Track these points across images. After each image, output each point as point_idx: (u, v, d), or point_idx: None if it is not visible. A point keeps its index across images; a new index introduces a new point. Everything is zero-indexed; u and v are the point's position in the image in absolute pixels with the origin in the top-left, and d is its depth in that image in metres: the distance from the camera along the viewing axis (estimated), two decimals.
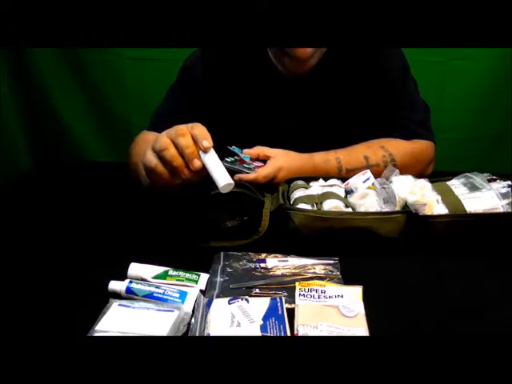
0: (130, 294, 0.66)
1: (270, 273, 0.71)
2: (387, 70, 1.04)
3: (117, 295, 0.66)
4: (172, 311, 0.62)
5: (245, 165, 0.95)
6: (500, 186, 0.82)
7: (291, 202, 0.84)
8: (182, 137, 0.69)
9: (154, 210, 0.89)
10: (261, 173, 0.93)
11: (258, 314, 0.60)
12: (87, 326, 0.60)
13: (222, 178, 0.68)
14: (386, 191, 0.81)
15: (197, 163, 0.69)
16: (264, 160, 0.98)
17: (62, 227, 0.86)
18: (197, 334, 0.59)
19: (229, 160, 0.96)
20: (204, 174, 0.70)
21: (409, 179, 0.85)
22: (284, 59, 0.98)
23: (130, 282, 0.67)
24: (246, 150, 0.98)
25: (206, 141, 0.69)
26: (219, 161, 0.69)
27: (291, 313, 0.62)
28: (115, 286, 0.67)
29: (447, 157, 1.55)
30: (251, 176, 0.92)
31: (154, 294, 0.66)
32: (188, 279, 0.69)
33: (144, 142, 0.98)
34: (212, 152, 0.69)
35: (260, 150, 0.98)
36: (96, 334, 0.58)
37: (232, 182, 0.68)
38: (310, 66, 0.99)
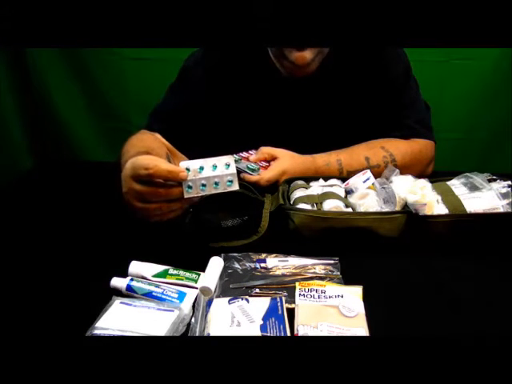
0: (130, 292, 0.66)
1: (270, 273, 0.71)
2: (389, 70, 1.04)
3: (119, 292, 0.67)
4: (172, 311, 0.62)
5: (249, 165, 0.94)
6: (500, 186, 0.82)
7: (291, 202, 0.84)
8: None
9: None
10: (264, 176, 0.92)
11: (258, 314, 0.60)
12: (89, 323, 0.60)
13: None
14: (386, 191, 0.81)
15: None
16: (269, 160, 0.97)
17: (62, 226, 0.86)
18: (197, 334, 0.59)
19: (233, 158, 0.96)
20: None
21: (409, 179, 0.85)
22: (284, 63, 0.98)
23: (131, 279, 0.67)
24: (252, 157, 0.97)
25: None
26: None
27: (291, 313, 0.62)
28: (117, 282, 0.67)
29: (447, 157, 1.55)
30: (254, 178, 0.92)
31: (153, 293, 0.66)
32: (188, 278, 0.69)
33: (139, 140, 0.97)
34: None
35: (266, 153, 0.97)
36: (96, 331, 0.58)
37: None
38: (310, 70, 0.99)
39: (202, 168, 0.71)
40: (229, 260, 0.74)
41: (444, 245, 0.79)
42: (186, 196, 0.70)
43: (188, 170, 0.71)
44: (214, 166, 0.72)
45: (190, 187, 0.70)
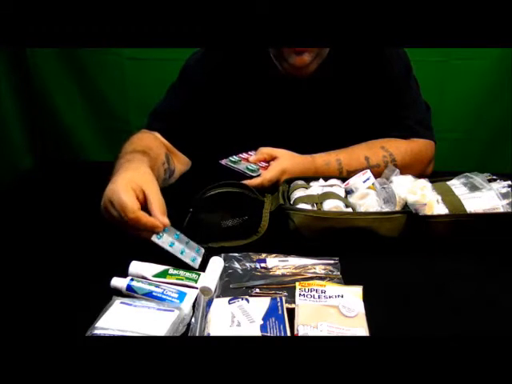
0: (130, 292, 0.66)
1: (270, 273, 0.71)
2: (390, 69, 1.04)
3: (119, 292, 0.67)
4: (172, 311, 0.62)
5: (248, 166, 0.94)
6: (500, 186, 0.82)
7: (291, 202, 0.84)
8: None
9: None
10: (265, 177, 0.92)
11: (258, 314, 0.60)
12: (90, 322, 0.60)
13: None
14: (386, 191, 0.81)
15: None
16: (269, 160, 0.97)
17: (62, 226, 0.86)
18: (197, 334, 0.59)
19: (233, 159, 0.96)
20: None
21: (409, 179, 0.85)
22: (283, 65, 0.99)
23: (131, 279, 0.67)
24: (251, 158, 0.97)
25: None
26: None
27: (291, 313, 0.62)
28: (117, 282, 0.67)
29: (447, 157, 1.55)
30: (257, 181, 0.92)
31: (153, 293, 0.66)
32: (188, 278, 0.69)
33: (138, 140, 0.97)
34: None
35: (265, 154, 0.98)
36: (96, 331, 0.58)
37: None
38: (308, 72, 0.99)
39: (177, 235, 0.74)
40: (229, 260, 0.74)
41: (444, 245, 0.79)
42: (151, 238, 0.72)
43: (165, 230, 0.72)
44: (187, 242, 0.75)
45: (160, 237, 0.72)
